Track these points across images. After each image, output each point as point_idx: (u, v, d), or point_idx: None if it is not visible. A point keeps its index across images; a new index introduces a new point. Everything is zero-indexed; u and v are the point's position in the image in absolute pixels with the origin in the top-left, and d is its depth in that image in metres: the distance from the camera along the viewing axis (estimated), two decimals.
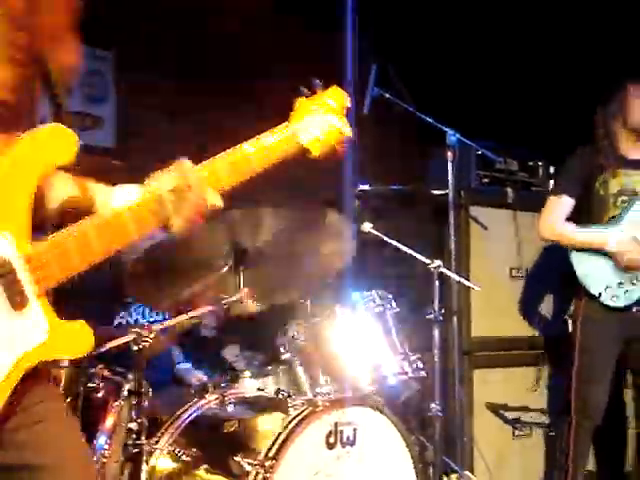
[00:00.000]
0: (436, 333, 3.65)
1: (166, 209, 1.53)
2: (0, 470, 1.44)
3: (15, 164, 1.37)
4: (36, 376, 1.43)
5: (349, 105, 1.84)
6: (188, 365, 3.58)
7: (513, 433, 4.66)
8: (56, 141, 1.41)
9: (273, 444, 2.59)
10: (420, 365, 3.17)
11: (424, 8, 5.06)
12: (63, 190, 1.56)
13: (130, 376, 2.75)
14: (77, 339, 1.43)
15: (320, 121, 1.75)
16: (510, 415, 4.63)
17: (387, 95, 3.94)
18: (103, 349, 2.70)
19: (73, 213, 1.54)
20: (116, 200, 1.58)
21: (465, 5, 5.15)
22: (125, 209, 1.50)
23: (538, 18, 5.32)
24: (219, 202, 1.60)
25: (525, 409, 4.66)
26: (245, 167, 1.65)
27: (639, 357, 3.90)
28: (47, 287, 1.41)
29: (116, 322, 3.42)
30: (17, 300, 1.35)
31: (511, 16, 5.29)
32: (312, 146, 1.75)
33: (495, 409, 4.57)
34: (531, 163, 5.00)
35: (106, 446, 2.73)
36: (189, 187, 1.54)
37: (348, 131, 1.81)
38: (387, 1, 4.85)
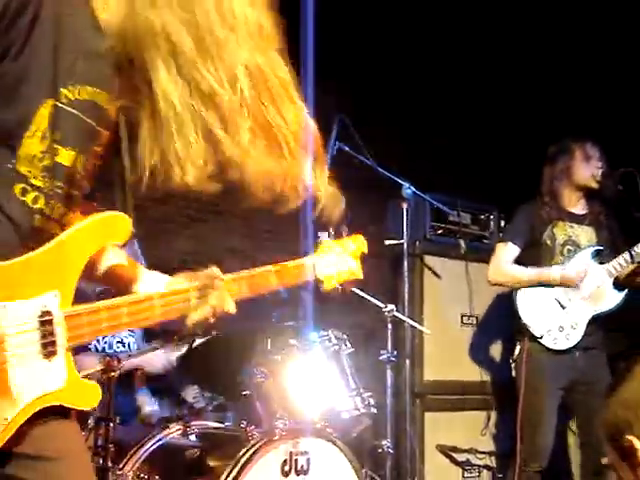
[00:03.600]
0: (388, 374, 3.85)
1: (189, 304, 1.76)
2: None
3: (78, 238, 1.61)
4: (60, 414, 1.59)
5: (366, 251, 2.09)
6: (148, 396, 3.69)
7: (462, 475, 4.81)
8: (117, 225, 1.67)
9: (231, 471, 2.76)
10: (372, 402, 3.35)
11: (384, 67, 5.32)
12: (111, 258, 1.81)
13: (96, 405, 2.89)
14: (87, 395, 1.61)
15: (339, 260, 2.00)
16: (460, 457, 4.78)
17: (347, 149, 4.15)
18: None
19: (118, 276, 1.82)
20: (144, 282, 1.84)
21: (421, 64, 5.43)
22: (157, 294, 1.73)
23: (490, 75, 5.59)
24: (233, 309, 1.83)
25: (474, 451, 4.81)
26: (265, 284, 1.91)
27: (581, 404, 4.03)
28: (74, 345, 1.60)
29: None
30: (48, 349, 1.53)
31: (463, 74, 5.56)
32: (326, 280, 2.00)
33: (445, 451, 4.73)
34: (482, 217, 5.26)
35: None
36: (213, 290, 1.78)
37: (360, 274, 2.04)
38: (350, 57, 5.07)
